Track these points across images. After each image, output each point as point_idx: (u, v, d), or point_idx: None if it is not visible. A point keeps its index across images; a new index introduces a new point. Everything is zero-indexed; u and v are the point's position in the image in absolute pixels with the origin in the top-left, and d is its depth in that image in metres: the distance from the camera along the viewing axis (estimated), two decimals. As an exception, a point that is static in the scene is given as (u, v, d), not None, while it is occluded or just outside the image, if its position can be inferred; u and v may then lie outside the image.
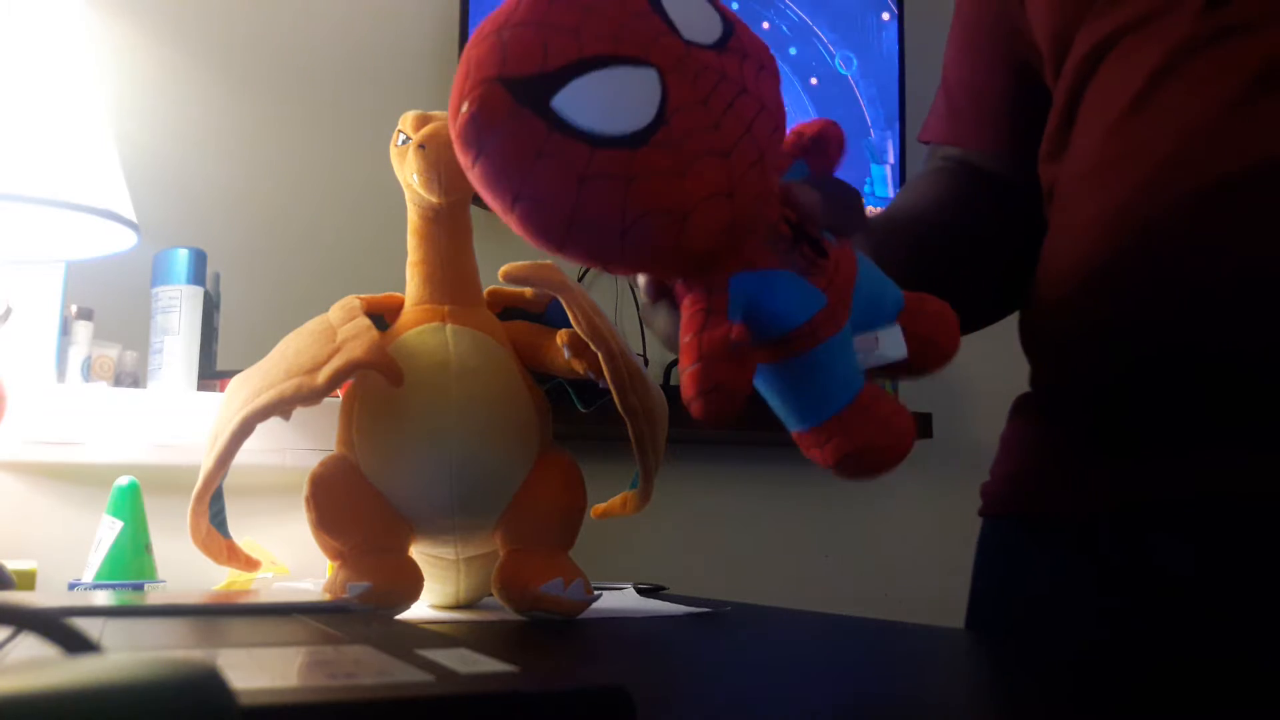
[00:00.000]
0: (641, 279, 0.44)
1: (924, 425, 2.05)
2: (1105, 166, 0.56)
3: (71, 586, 0.76)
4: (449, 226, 0.71)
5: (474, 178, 0.37)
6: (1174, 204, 0.52)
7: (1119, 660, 0.45)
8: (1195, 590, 0.52)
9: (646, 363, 2.05)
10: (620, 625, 0.63)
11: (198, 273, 1.05)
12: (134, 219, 1.13)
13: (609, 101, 0.36)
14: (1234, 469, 0.51)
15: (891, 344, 0.43)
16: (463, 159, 0.37)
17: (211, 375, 1.10)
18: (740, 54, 0.38)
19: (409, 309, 0.71)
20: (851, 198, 0.42)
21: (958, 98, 0.73)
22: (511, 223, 0.38)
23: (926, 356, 0.44)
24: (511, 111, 0.35)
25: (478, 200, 0.49)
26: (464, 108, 0.36)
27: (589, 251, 0.38)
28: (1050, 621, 0.60)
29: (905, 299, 0.45)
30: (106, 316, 1.30)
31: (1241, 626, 0.51)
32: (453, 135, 0.37)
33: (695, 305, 0.39)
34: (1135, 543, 0.55)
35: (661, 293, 0.43)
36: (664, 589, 0.92)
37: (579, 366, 0.68)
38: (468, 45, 0.38)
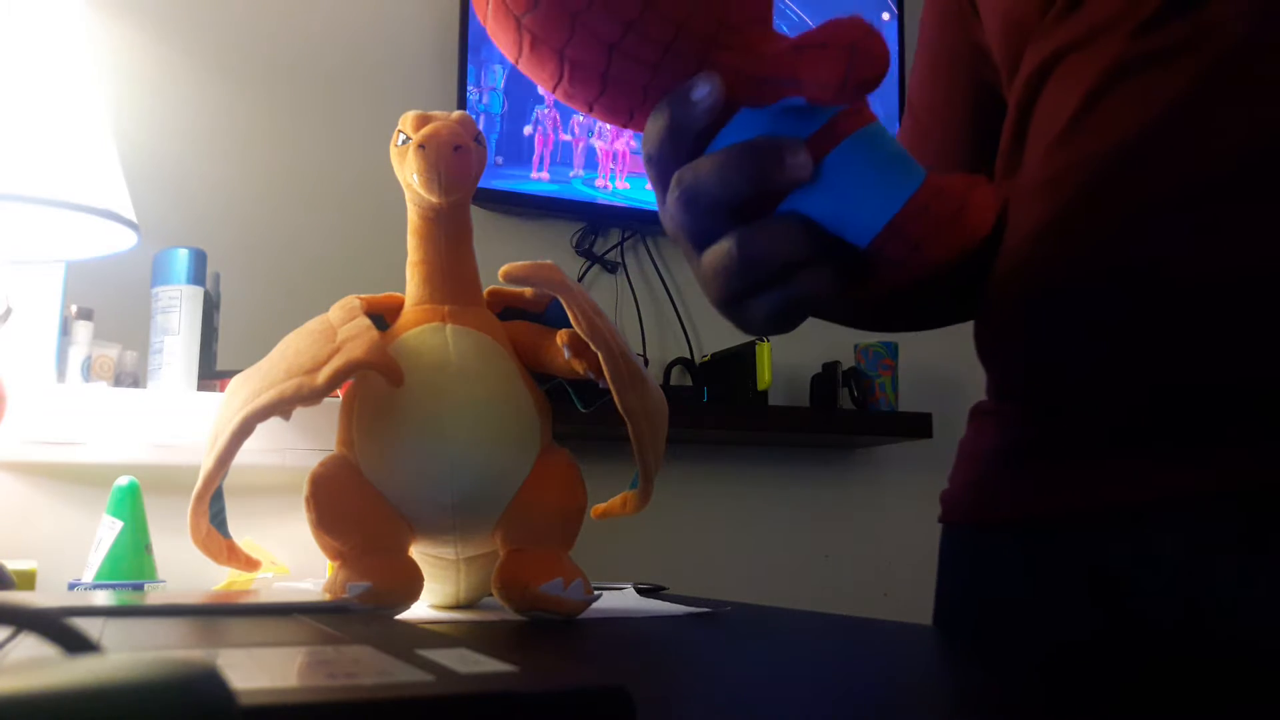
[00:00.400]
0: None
1: (924, 425, 2.05)
2: (1043, 185, 0.57)
3: (71, 586, 0.76)
4: (449, 226, 0.71)
5: None
6: (1102, 224, 0.53)
7: (1104, 661, 0.45)
8: (1157, 595, 0.52)
9: (646, 363, 2.05)
10: (620, 625, 0.63)
11: (198, 273, 1.05)
12: (134, 219, 1.14)
13: None
14: (1186, 472, 0.51)
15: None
16: None
17: (211, 375, 1.11)
18: None
19: (409, 309, 0.71)
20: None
21: (923, 120, 0.74)
22: None
23: (912, 264, 0.41)
24: None
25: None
26: None
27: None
28: (1022, 625, 0.60)
29: (918, 195, 0.41)
30: (106, 316, 1.31)
31: (1202, 633, 0.51)
32: None
33: None
34: (1096, 547, 0.55)
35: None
36: (664, 589, 0.92)
37: (579, 366, 0.68)
38: None
